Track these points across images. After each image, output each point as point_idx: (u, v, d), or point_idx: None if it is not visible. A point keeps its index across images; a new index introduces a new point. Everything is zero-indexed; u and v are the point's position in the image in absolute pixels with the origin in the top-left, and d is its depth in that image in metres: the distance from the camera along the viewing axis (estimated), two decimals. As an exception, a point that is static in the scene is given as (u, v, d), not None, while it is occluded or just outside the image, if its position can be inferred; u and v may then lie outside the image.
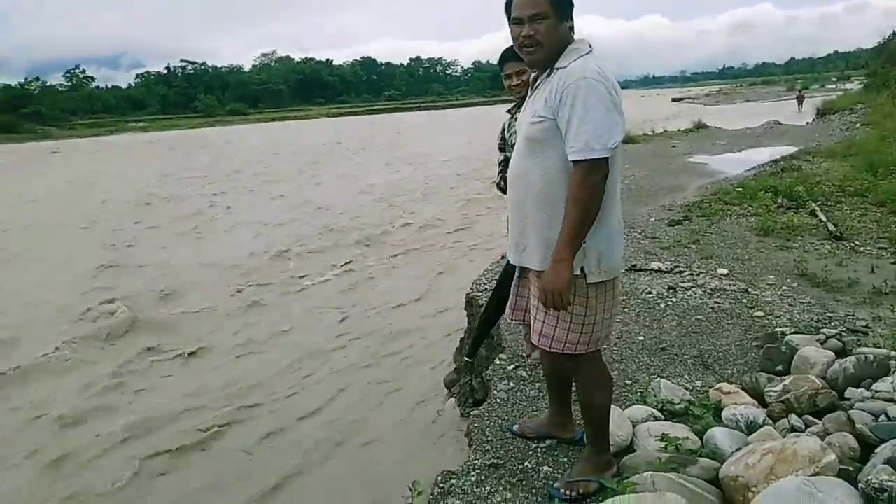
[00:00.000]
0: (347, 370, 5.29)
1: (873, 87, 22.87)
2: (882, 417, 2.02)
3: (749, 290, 4.34)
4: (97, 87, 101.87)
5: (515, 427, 2.67)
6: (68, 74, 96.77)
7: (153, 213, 13.53)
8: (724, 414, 2.50)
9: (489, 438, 2.64)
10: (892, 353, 2.89)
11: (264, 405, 4.70)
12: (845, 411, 2.26)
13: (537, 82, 2.06)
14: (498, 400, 2.98)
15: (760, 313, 3.89)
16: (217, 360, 5.59)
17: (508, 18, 2.02)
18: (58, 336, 6.07)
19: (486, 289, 4.62)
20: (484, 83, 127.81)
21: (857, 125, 14.92)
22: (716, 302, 4.14)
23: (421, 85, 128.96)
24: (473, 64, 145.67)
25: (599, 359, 2.23)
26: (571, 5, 1.99)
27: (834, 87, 53.05)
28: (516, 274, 2.29)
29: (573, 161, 1.87)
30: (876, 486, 1.66)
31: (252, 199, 14.97)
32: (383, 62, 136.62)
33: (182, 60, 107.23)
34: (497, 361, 3.42)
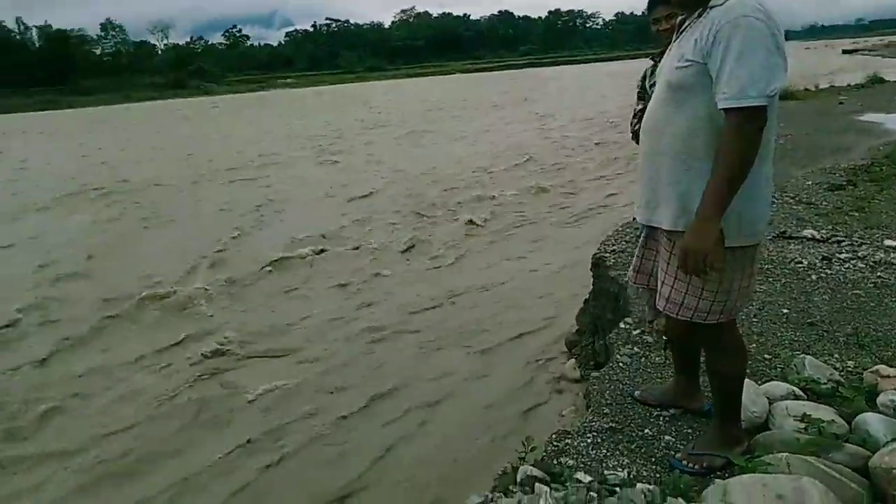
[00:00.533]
0: (473, 323, 5.39)
1: None
2: None
3: (923, 265, 3.81)
4: (251, 45, 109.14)
5: (637, 393, 2.57)
6: (226, 34, 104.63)
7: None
8: (880, 399, 2.23)
9: (608, 402, 2.57)
10: None
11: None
12: None
13: (685, 24, 1.88)
14: (620, 364, 2.88)
15: (935, 293, 3.41)
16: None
17: None
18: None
19: (614, 249, 4.45)
20: (628, 36, 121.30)
21: None
22: (879, 276, 3.69)
23: (560, 39, 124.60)
24: (616, 16, 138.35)
25: (733, 327, 2.06)
26: None
27: None
28: (642, 234, 2.14)
29: (724, 109, 1.68)
30: None
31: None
32: (521, 16, 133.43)
33: (327, 18, 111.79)
34: (622, 325, 3.30)
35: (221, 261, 7.42)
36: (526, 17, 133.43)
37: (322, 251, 7.54)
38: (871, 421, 2.08)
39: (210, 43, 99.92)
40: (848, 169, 6.44)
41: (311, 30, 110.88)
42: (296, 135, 20.51)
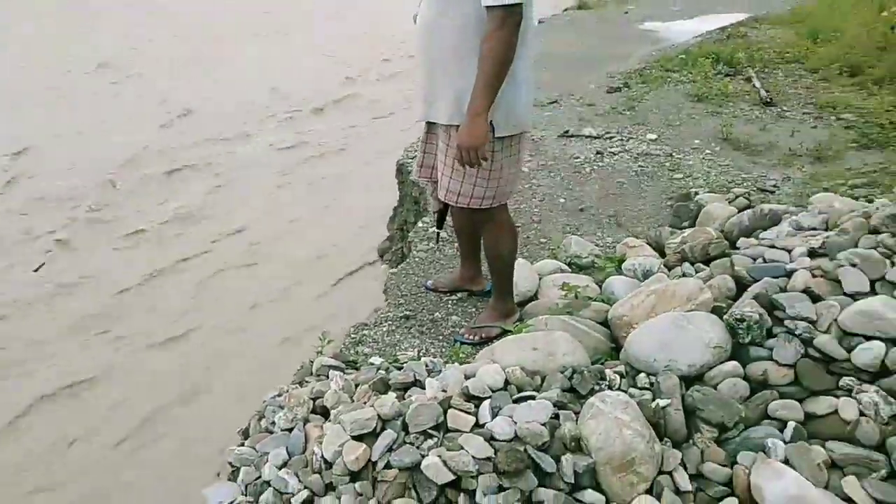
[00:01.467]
0: (283, 235, 5.35)
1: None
2: (759, 260, 2.16)
3: (673, 154, 4.43)
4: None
5: (429, 283, 2.77)
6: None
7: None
8: (624, 265, 2.63)
9: (404, 294, 2.75)
10: (791, 208, 3.06)
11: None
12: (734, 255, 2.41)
13: None
14: (417, 259, 3.07)
15: (680, 175, 4.01)
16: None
17: None
18: None
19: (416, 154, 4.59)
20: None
21: (812, -9, 14.62)
22: (640, 166, 4.23)
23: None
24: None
25: (505, 211, 2.28)
26: None
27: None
28: (424, 130, 2.25)
29: (486, 6, 1.79)
30: (737, 316, 1.81)
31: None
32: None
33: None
34: (419, 224, 3.48)
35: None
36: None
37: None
38: (616, 283, 2.46)
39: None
40: (625, 73, 7.11)
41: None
42: None
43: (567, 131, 4.93)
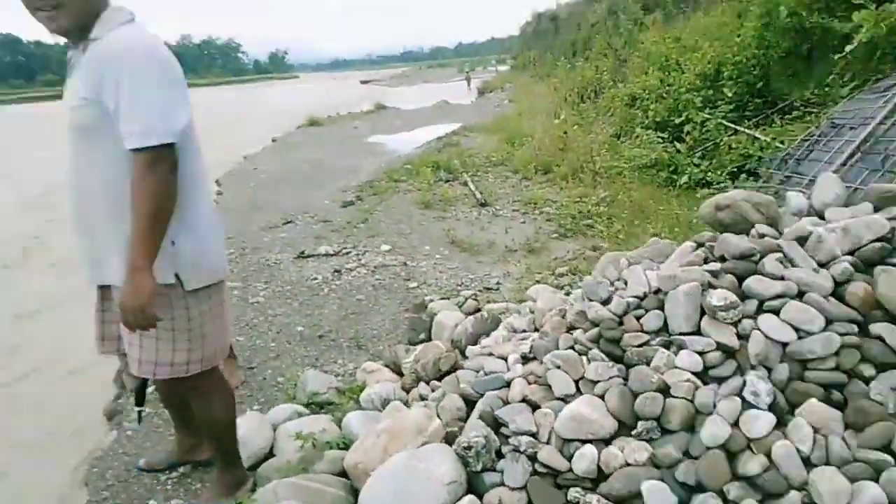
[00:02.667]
0: None
1: (517, 68, 26.78)
2: (481, 372, 2.20)
3: (408, 262, 4.58)
4: None
5: (142, 462, 2.33)
6: None
7: None
8: (362, 397, 2.51)
9: (110, 483, 2.26)
10: (511, 305, 3.28)
11: None
12: (461, 369, 2.43)
13: (72, 59, 1.70)
14: (127, 434, 2.58)
15: (414, 284, 4.12)
16: None
17: None
18: None
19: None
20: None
21: (505, 102, 17.26)
22: (377, 279, 4.27)
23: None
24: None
25: (215, 371, 2.00)
26: None
27: (494, 69, 60.91)
28: (97, 299, 1.89)
29: (131, 150, 1.56)
30: (465, 444, 1.77)
31: None
32: (31, 40, 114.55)
33: None
34: (121, 399, 2.99)
35: None
36: (39, 42, 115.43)
37: None
38: (353, 420, 2.30)
39: None
40: (357, 186, 7.40)
41: None
42: None
43: (303, 252, 4.84)
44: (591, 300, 2.07)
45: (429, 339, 3.16)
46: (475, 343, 2.71)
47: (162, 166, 1.58)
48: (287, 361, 3.13)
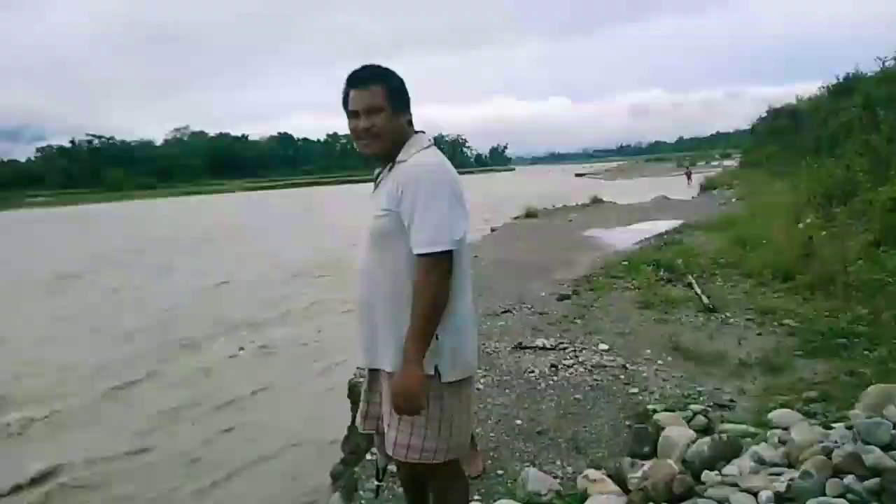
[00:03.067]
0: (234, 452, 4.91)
1: (747, 164, 25.15)
2: (726, 504, 2.01)
3: (627, 365, 4.41)
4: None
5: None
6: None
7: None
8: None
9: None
10: (750, 429, 2.98)
11: None
12: (699, 497, 2.25)
13: (380, 177, 2.04)
14: (363, 502, 2.79)
15: (635, 390, 3.94)
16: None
17: (346, 111, 2.00)
18: None
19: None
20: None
21: (733, 200, 16.23)
22: (595, 379, 4.17)
23: (339, 160, 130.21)
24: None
25: (456, 463, 2.10)
26: (408, 101, 2.01)
27: (717, 164, 58.02)
28: (366, 378, 2.15)
29: (417, 255, 1.82)
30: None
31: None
32: (300, 138, 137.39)
33: (88, 134, 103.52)
34: (368, 456, 3.23)
35: None
36: (306, 139, 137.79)
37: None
38: (577, 532, 2.24)
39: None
40: (573, 280, 7.41)
41: (70, 145, 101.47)
42: None
43: (520, 343, 4.93)
44: (867, 442, 1.81)
45: (654, 453, 2.98)
46: (712, 468, 2.50)
47: (440, 270, 1.81)
48: (506, 454, 3.16)
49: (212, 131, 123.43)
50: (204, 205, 50.38)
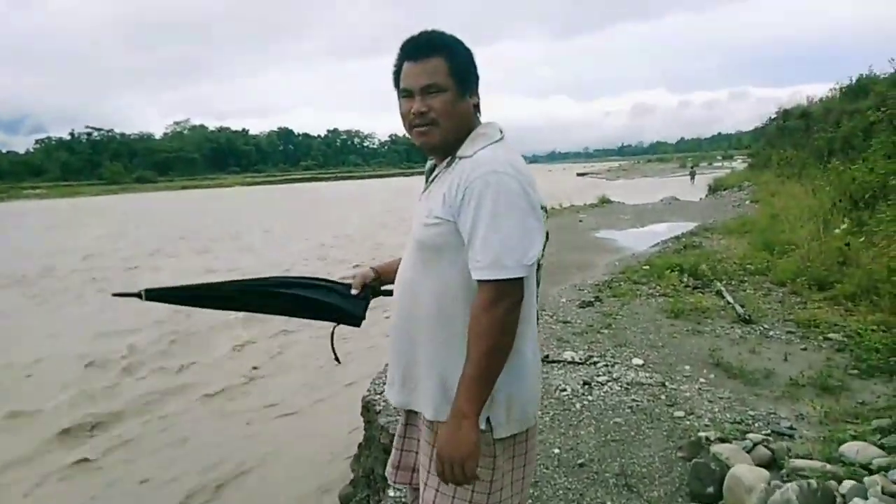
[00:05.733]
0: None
1: (756, 166, 24.77)
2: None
3: (666, 383, 4.05)
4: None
5: None
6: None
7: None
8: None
9: None
10: (828, 468, 2.62)
11: None
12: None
13: (434, 173, 1.63)
14: (387, 549, 2.42)
15: (681, 413, 3.58)
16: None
17: (397, 89, 1.58)
18: None
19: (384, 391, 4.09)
20: (400, 155, 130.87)
21: (747, 202, 15.84)
22: (633, 400, 3.80)
23: (338, 156, 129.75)
24: (390, 137, 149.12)
25: None
26: (476, 77, 1.59)
27: (720, 164, 57.66)
28: (401, 422, 1.74)
29: (477, 280, 1.42)
30: None
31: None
32: (300, 133, 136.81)
33: (87, 126, 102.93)
34: (391, 493, 2.87)
35: None
36: (306, 134, 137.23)
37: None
38: None
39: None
40: (593, 285, 7.04)
41: (69, 137, 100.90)
42: None
43: (547, 356, 4.57)
44: None
45: (719, 494, 2.62)
46: (802, 521, 2.13)
47: (506, 302, 1.41)
48: (548, 491, 2.80)
49: (212, 125, 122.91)
50: (211, 199, 49.90)
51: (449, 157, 1.56)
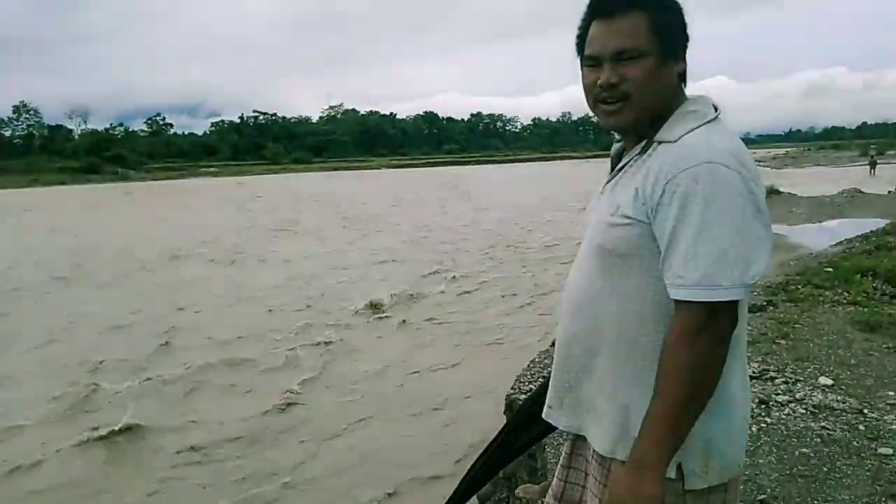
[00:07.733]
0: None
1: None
2: None
3: (865, 410, 3.43)
4: (175, 134, 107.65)
5: None
6: (149, 121, 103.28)
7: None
8: None
9: None
10: None
11: None
12: None
13: (624, 160, 1.30)
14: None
15: (888, 451, 2.98)
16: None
17: (581, 56, 1.29)
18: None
19: (531, 388, 3.87)
20: (543, 140, 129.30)
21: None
22: (823, 427, 3.25)
23: (480, 139, 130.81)
24: (533, 121, 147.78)
25: None
26: (685, 41, 1.26)
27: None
28: (566, 448, 1.48)
29: (677, 301, 1.13)
30: None
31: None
32: (444, 117, 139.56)
33: (254, 111, 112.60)
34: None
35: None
36: (450, 118, 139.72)
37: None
38: None
39: (131, 130, 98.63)
40: (765, 287, 6.28)
41: (238, 121, 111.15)
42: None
43: (714, 366, 4.08)
44: None
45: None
46: None
47: (715, 332, 1.11)
48: (723, 530, 2.42)
49: (363, 109, 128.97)
50: (362, 181, 52.58)
51: (645, 141, 1.25)
